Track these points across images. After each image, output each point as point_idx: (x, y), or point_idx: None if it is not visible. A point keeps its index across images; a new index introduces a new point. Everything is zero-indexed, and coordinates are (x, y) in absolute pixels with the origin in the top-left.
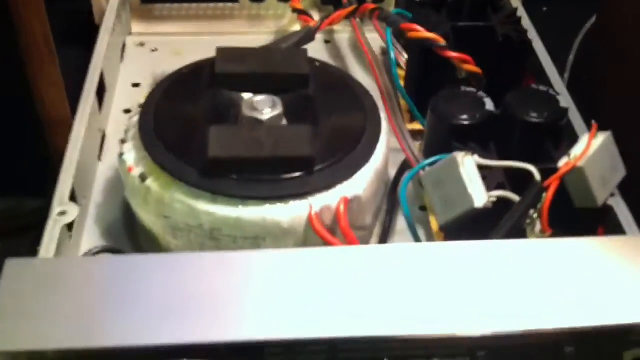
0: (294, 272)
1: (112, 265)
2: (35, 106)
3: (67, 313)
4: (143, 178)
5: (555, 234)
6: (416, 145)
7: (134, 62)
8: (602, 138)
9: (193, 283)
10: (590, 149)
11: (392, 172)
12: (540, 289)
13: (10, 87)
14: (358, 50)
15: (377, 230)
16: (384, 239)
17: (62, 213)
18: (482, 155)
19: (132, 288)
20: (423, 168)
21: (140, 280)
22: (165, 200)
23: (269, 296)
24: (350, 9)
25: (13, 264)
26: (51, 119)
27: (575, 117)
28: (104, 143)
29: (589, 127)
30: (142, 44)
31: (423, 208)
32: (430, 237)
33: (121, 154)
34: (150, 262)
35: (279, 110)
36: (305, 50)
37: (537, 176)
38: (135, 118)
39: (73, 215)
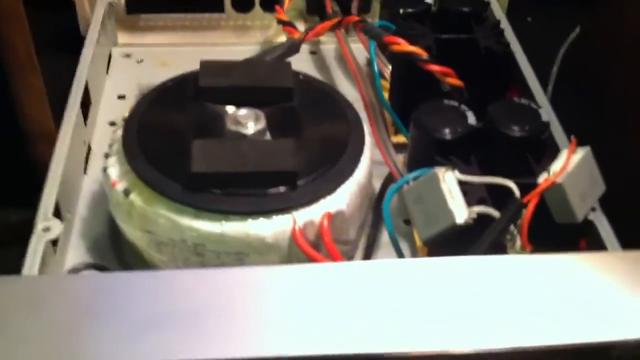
0: (277, 290)
1: (96, 283)
2: (19, 118)
3: (50, 332)
4: (127, 193)
5: (536, 249)
6: (401, 158)
7: (120, 73)
8: (581, 153)
9: (177, 301)
10: (569, 164)
11: (377, 185)
12: (521, 306)
13: None
14: (344, 61)
15: (362, 243)
16: (368, 252)
17: (46, 229)
18: (463, 169)
19: (116, 306)
20: (407, 182)
21: (124, 298)
22: (148, 215)
23: (252, 314)
24: (335, 20)
25: None
26: (34, 131)
27: (557, 131)
28: (89, 156)
29: (571, 140)
30: (128, 55)
31: (407, 221)
32: (414, 251)
33: (105, 168)
34: (134, 279)
35: (262, 124)
36: (289, 64)
37: (517, 192)
38: (119, 132)
39: (57, 231)
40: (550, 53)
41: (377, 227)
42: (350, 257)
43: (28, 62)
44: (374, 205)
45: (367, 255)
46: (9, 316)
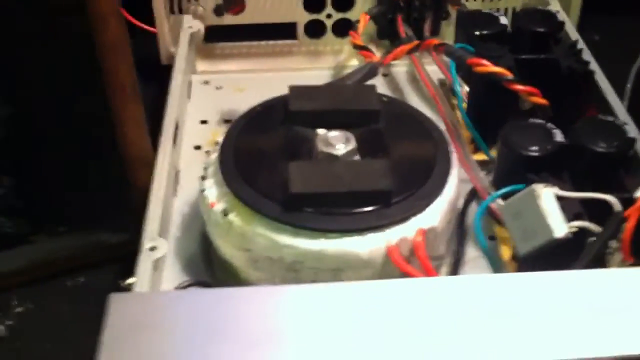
0: (379, 305)
1: (208, 298)
2: (119, 145)
3: (175, 346)
4: (225, 213)
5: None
6: (483, 175)
7: (200, 99)
8: None
9: (286, 316)
10: None
11: (460, 201)
12: (622, 315)
13: (96, 128)
14: (415, 82)
15: (447, 259)
16: (455, 268)
17: (153, 248)
18: (557, 185)
19: (230, 320)
20: (494, 199)
21: (236, 312)
22: (247, 234)
23: (358, 329)
24: (414, 44)
25: (116, 299)
26: (134, 157)
27: None
28: (178, 179)
29: None
30: (206, 82)
31: (492, 237)
32: (500, 267)
33: (202, 190)
34: (245, 294)
35: (352, 145)
36: (374, 86)
37: (618, 207)
38: (214, 155)
39: (163, 250)
40: (620, 70)
41: (462, 243)
42: (438, 272)
43: (131, 91)
44: (459, 222)
45: (454, 271)
46: (133, 331)
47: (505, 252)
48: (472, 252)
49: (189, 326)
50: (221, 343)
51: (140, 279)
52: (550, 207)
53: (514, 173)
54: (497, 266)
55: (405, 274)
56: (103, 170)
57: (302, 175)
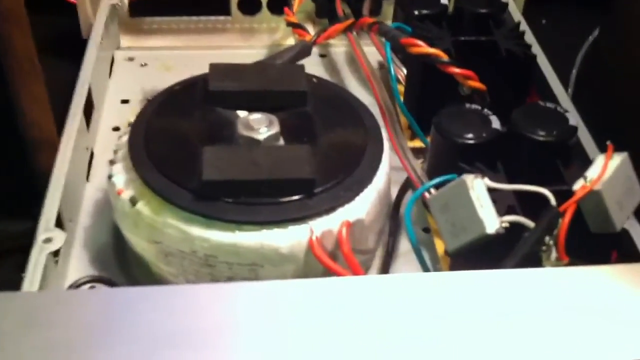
0: (294, 306)
1: (100, 300)
2: (19, 125)
3: (52, 353)
4: (133, 201)
5: (571, 261)
6: (417, 164)
7: (123, 77)
8: (618, 159)
9: (187, 318)
10: (606, 171)
11: (394, 191)
12: (558, 321)
13: None
14: (355, 64)
15: (379, 252)
16: (387, 262)
17: (48, 240)
18: (490, 176)
19: (121, 324)
20: (428, 190)
21: (130, 315)
22: (156, 225)
23: (267, 332)
24: (348, 22)
25: None
26: (36, 138)
27: (585, 135)
28: (92, 163)
29: (598, 144)
30: (131, 59)
31: (426, 229)
32: (435, 260)
33: (110, 176)
34: (140, 295)
35: (275, 129)
36: (302, 67)
37: (553, 201)
38: (125, 138)
39: (59, 242)
40: (566, 55)
41: (395, 235)
42: (367, 267)
43: (30, 66)
44: (392, 213)
45: (386, 265)
46: (7, 336)
47: (440, 246)
48: (406, 245)
49: (73, 329)
50: (104, 347)
51: (30, 275)
52: (481, 200)
53: (448, 162)
54: (426, 261)
55: (328, 270)
56: (4, 153)
57: (217, 161)
